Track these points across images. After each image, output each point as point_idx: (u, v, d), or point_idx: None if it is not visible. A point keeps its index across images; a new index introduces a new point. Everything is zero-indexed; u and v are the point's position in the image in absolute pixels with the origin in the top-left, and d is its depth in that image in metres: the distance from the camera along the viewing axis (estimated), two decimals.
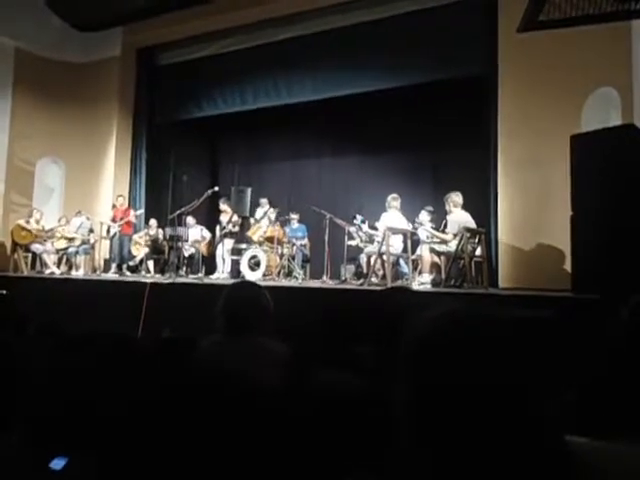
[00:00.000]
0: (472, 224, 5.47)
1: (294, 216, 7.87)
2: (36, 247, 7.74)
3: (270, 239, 7.21)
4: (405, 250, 5.86)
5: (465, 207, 5.61)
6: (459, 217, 5.44)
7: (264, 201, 7.76)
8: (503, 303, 4.01)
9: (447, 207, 5.60)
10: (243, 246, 7.28)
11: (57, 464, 0.86)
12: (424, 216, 6.17)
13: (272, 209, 7.54)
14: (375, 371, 1.52)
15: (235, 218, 7.52)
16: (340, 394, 1.30)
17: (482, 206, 6.30)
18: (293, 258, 7.26)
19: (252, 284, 2.27)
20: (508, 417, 0.61)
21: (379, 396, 1.17)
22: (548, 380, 0.64)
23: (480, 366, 0.62)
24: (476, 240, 5.47)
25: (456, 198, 5.55)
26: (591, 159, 4.02)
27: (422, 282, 5.39)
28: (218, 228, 7.86)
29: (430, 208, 6.36)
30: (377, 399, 1.18)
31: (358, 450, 1.04)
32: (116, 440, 0.94)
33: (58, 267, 7.87)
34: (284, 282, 6.53)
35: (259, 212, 7.63)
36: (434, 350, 0.66)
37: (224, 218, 7.71)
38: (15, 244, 7.70)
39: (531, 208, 5.82)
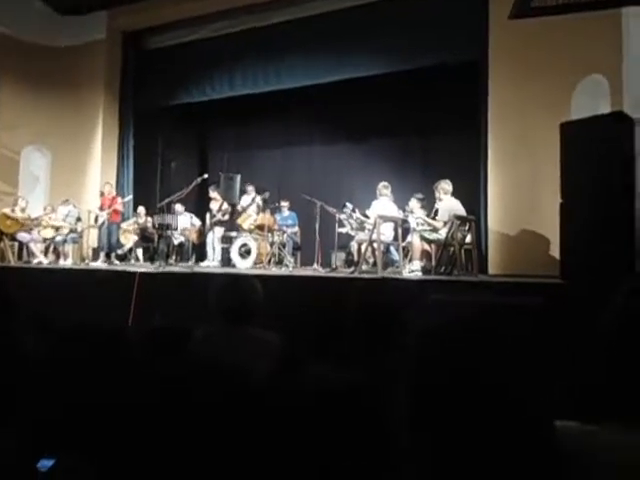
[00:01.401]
0: (462, 212, 5.49)
1: (284, 204, 7.82)
2: (22, 236, 7.64)
3: (260, 227, 7.17)
4: (396, 238, 5.87)
5: (455, 194, 5.62)
6: (449, 205, 5.46)
7: (250, 188, 7.62)
8: (493, 290, 4.04)
9: (437, 195, 5.62)
10: (233, 234, 7.24)
11: (44, 465, 0.84)
12: (414, 203, 6.18)
13: (259, 196, 7.46)
14: (366, 360, 1.53)
15: (225, 206, 7.45)
16: (332, 384, 1.30)
17: (472, 193, 6.31)
18: (284, 246, 7.24)
19: (243, 275, 2.26)
20: (504, 403, 0.61)
21: (371, 386, 1.18)
22: (539, 367, 0.64)
23: (474, 355, 0.62)
24: (466, 227, 5.50)
25: (446, 186, 5.56)
26: (581, 146, 4.04)
27: (412, 269, 5.41)
28: (208, 216, 7.80)
29: (420, 195, 6.37)
30: (369, 389, 1.18)
31: (351, 442, 1.05)
32: (109, 432, 0.93)
33: (45, 256, 7.79)
34: (275, 270, 6.52)
35: (246, 199, 7.53)
36: (431, 342, 0.65)
37: (214, 206, 7.65)
38: (1, 233, 7.60)
39: (521, 195, 5.85)
